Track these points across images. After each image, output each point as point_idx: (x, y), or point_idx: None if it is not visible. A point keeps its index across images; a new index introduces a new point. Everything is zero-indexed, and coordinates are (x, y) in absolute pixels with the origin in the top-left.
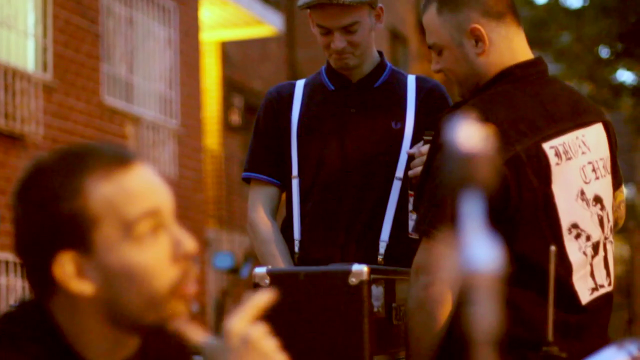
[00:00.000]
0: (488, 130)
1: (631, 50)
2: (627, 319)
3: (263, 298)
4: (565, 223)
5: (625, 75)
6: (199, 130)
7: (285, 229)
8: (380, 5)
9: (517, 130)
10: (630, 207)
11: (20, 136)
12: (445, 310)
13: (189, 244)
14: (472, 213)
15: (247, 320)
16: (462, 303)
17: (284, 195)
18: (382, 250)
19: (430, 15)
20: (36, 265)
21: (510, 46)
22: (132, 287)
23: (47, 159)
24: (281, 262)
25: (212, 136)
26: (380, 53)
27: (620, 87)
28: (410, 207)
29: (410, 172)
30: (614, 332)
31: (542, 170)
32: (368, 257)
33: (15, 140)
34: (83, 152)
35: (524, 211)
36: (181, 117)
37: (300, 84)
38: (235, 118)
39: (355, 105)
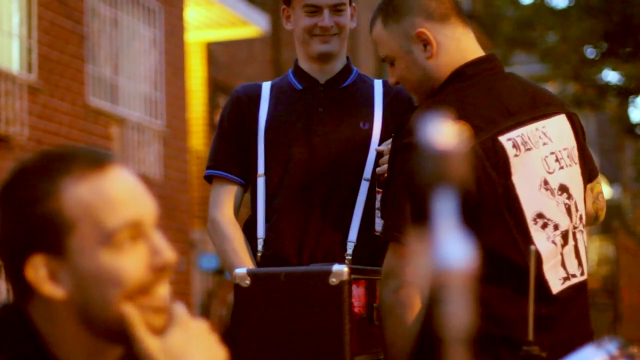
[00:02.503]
0: (450, 128)
1: (616, 50)
2: (612, 319)
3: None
4: (529, 213)
5: (610, 75)
6: (184, 131)
7: (249, 228)
8: (354, 4)
9: (472, 125)
10: (616, 207)
11: (5, 137)
12: (414, 313)
13: (168, 254)
14: (443, 211)
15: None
16: (433, 302)
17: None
18: (349, 250)
19: (378, 29)
20: (12, 268)
21: (459, 46)
22: (104, 293)
23: (27, 162)
24: (243, 260)
25: (197, 137)
26: (347, 57)
27: (606, 87)
28: (377, 204)
29: (378, 169)
30: (598, 332)
31: (501, 163)
32: (335, 257)
33: (0, 141)
34: (60, 154)
35: (486, 205)
36: (166, 117)
37: (266, 85)
38: None
39: (323, 105)
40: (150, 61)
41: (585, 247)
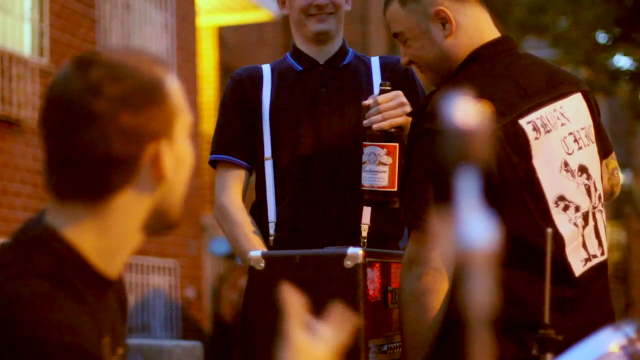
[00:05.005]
0: (473, 108)
1: (629, 35)
2: (624, 305)
3: (291, 296)
4: (550, 196)
5: (622, 61)
6: (196, 115)
7: (256, 212)
8: None
9: (493, 110)
10: (627, 192)
11: (17, 121)
12: (440, 299)
13: None
14: (467, 191)
15: (300, 327)
16: (457, 283)
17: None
18: (364, 233)
19: (394, 8)
20: (118, 162)
21: (478, 26)
22: (186, 177)
23: (117, 58)
24: (255, 244)
25: (208, 121)
26: (342, 39)
27: (618, 73)
28: (365, 158)
29: (365, 122)
30: None
31: (522, 147)
32: (350, 239)
33: (12, 125)
34: (139, 54)
35: (508, 189)
36: None
37: (267, 67)
38: None
39: (325, 84)
40: (161, 45)
41: (605, 226)
